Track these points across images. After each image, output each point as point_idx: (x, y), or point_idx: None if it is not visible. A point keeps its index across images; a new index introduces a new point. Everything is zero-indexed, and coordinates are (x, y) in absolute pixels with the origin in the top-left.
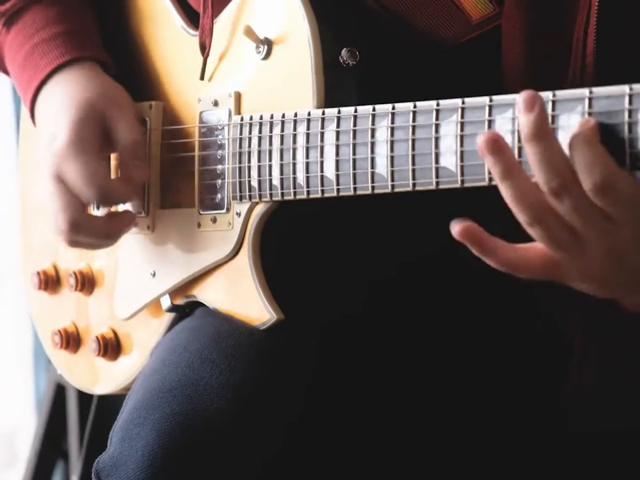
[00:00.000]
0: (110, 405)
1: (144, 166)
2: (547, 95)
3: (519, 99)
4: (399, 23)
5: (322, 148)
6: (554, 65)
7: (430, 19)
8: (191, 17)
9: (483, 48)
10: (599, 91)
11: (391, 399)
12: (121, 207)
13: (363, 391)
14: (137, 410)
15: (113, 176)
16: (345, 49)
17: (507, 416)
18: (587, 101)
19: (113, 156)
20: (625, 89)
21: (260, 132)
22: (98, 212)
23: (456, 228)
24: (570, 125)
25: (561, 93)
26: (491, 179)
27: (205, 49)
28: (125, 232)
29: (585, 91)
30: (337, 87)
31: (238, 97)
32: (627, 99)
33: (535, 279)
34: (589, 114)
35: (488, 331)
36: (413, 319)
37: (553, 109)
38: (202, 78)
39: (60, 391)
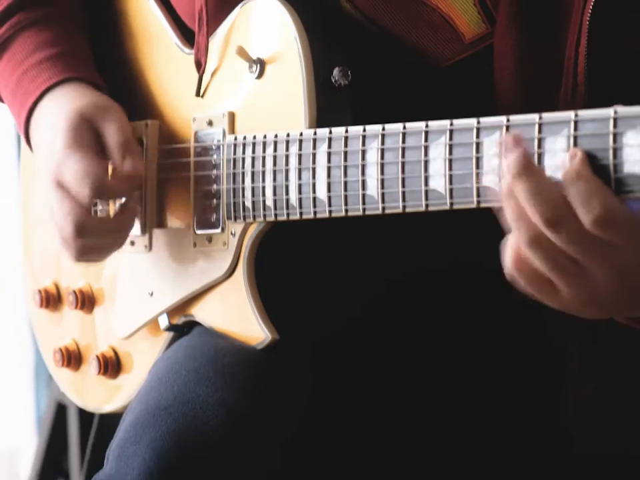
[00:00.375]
0: (111, 423)
1: (136, 160)
2: (532, 118)
3: (503, 141)
4: (392, 42)
5: (314, 170)
6: (546, 84)
7: (423, 38)
8: (186, 35)
9: (476, 67)
10: (584, 113)
11: (387, 417)
12: None
13: (359, 408)
14: (133, 428)
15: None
16: (336, 68)
17: (508, 436)
18: (572, 124)
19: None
20: (610, 112)
21: (253, 152)
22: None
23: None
24: (556, 148)
25: (547, 116)
26: (479, 201)
27: (200, 66)
28: (131, 227)
29: (570, 114)
30: (329, 107)
31: (232, 116)
32: (611, 122)
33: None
34: (575, 137)
35: (484, 349)
36: (408, 334)
37: (539, 132)
38: (197, 94)
39: (61, 409)
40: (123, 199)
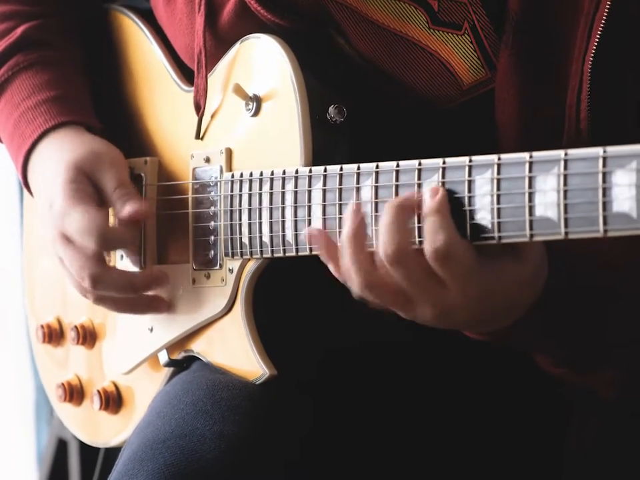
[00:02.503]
0: (113, 459)
1: (135, 203)
2: (523, 156)
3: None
4: (390, 84)
5: (309, 207)
6: (548, 130)
7: (421, 82)
8: (184, 72)
9: (473, 110)
10: (574, 152)
11: (387, 452)
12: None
13: (358, 443)
14: (130, 462)
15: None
16: (332, 106)
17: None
18: (562, 163)
19: (110, 210)
20: (599, 151)
21: (250, 189)
22: (121, 266)
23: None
24: (546, 187)
25: (537, 155)
26: (472, 236)
27: (199, 108)
28: (156, 288)
29: (560, 153)
30: (325, 144)
31: (229, 153)
32: (600, 161)
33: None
34: (565, 176)
35: (482, 382)
36: (407, 366)
37: (530, 170)
38: (197, 137)
39: (62, 445)
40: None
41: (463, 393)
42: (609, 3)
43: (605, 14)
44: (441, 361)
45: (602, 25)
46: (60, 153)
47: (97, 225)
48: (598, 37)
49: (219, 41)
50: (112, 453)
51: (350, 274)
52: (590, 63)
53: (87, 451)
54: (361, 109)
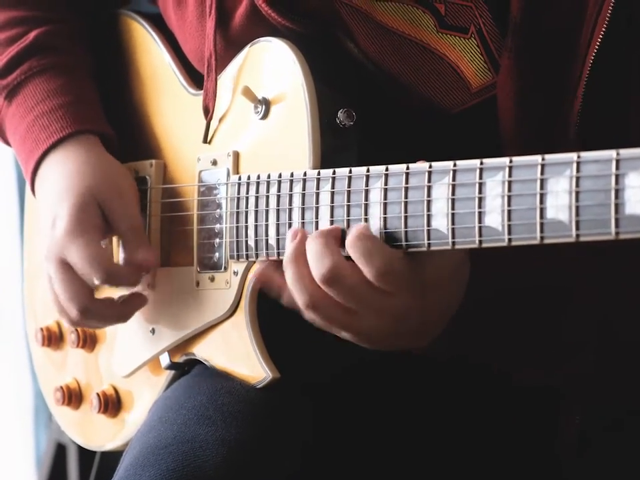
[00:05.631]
0: (111, 463)
1: (149, 252)
2: (535, 159)
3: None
4: (399, 87)
5: (317, 209)
6: (546, 134)
7: (430, 86)
8: (192, 76)
9: (481, 113)
10: (586, 155)
11: (388, 458)
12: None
13: (360, 449)
14: (132, 467)
15: (115, 259)
16: (341, 110)
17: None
18: (575, 165)
19: (114, 240)
20: (613, 153)
21: (257, 192)
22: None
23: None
24: (558, 189)
25: (550, 157)
26: (481, 242)
27: (208, 111)
28: (136, 311)
29: (573, 156)
30: (334, 148)
31: (236, 156)
32: (614, 163)
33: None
34: (577, 178)
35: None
36: (411, 374)
37: (542, 173)
38: (205, 141)
39: (60, 450)
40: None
41: (459, 398)
42: (612, 4)
43: (608, 17)
44: (438, 365)
45: (604, 27)
46: (73, 172)
47: (103, 260)
48: (600, 39)
49: (229, 44)
50: (108, 457)
51: (294, 294)
52: (589, 65)
53: (86, 455)
54: (370, 113)
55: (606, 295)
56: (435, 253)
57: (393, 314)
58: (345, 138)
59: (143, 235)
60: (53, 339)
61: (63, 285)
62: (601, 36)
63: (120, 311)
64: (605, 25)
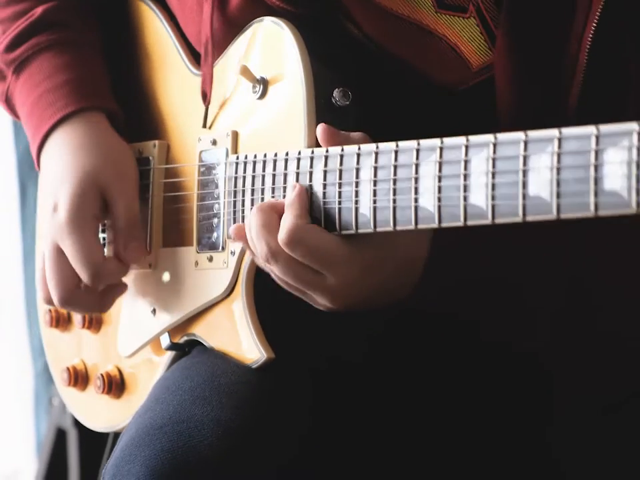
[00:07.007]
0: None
1: (139, 247)
2: (518, 136)
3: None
4: (399, 68)
5: (311, 187)
6: (542, 111)
7: (430, 66)
8: (196, 56)
9: (480, 91)
10: (568, 131)
11: (387, 441)
12: None
13: (356, 434)
14: (128, 447)
15: (107, 252)
16: (337, 89)
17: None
18: (556, 142)
19: (108, 230)
20: (592, 129)
21: (254, 171)
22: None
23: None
24: (540, 166)
25: (532, 134)
26: (466, 219)
27: (205, 97)
28: (115, 299)
29: (554, 132)
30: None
31: (235, 136)
32: (593, 139)
33: None
34: (558, 154)
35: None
36: (410, 365)
37: (525, 149)
38: (204, 126)
39: (61, 434)
40: None
41: (455, 392)
42: None
43: None
44: (436, 358)
45: (601, 5)
46: (78, 152)
47: (93, 260)
48: (597, 15)
49: (228, 26)
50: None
51: (256, 245)
52: (589, 42)
53: (86, 440)
54: (366, 92)
55: (575, 257)
56: None
57: (361, 266)
58: (340, 117)
59: (137, 228)
60: (60, 319)
61: (52, 270)
62: (598, 13)
63: (99, 301)
64: (601, 3)
